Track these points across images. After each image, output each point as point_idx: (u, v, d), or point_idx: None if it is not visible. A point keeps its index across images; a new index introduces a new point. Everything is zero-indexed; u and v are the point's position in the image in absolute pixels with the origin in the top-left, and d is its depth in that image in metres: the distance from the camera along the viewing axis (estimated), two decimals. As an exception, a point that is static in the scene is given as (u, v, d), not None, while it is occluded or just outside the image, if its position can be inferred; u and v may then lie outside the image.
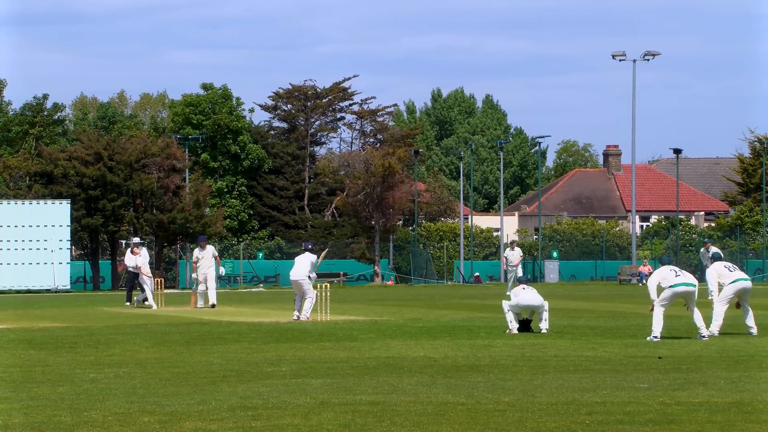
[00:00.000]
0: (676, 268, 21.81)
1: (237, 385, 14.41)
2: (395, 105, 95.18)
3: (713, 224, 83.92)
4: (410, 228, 79.86)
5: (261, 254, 73.89)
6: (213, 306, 33.45)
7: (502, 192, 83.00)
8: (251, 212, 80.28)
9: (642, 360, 17.45)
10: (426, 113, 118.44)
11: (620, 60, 70.98)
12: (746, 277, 22.73)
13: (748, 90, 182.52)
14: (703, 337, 21.26)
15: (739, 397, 13.04)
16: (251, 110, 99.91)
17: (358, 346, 20.04)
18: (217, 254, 34.81)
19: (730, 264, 23.08)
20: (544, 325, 22.92)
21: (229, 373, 15.89)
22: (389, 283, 67.83)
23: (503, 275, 73.20)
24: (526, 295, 23.01)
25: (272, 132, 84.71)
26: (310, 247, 28.42)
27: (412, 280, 70.36)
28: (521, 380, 14.81)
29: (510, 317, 23.00)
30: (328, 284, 28.52)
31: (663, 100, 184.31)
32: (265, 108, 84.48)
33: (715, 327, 21.94)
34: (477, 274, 71.37)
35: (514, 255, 47.79)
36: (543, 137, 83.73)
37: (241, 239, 75.98)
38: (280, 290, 56.26)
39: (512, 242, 51.23)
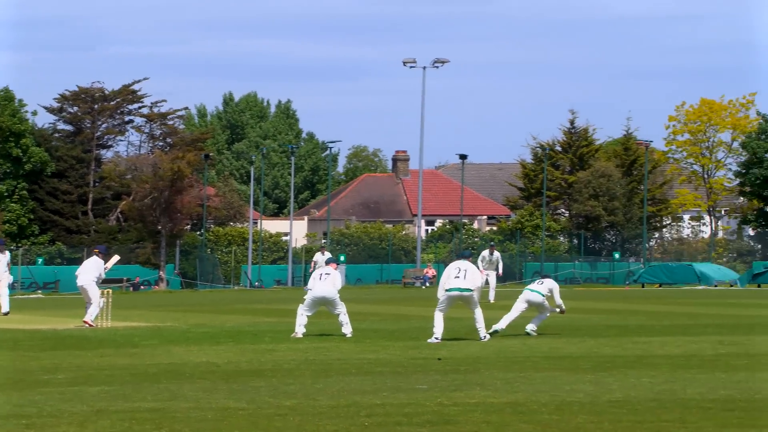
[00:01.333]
0: (465, 267, 21.82)
1: (11, 394, 14.02)
2: (186, 108, 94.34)
3: (495, 228, 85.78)
4: (198, 233, 79.22)
5: (41, 260, 72.18)
6: (6, 314, 32.34)
7: (292, 196, 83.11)
8: (32, 216, 78.32)
9: (422, 362, 17.67)
10: (218, 117, 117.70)
11: (411, 67, 71.89)
12: (535, 289, 23.16)
13: (533, 98, 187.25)
14: (484, 338, 21.66)
15: (514, 398, 13.32)
16: (34, 113, 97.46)
17: (139, 353, 19.75)
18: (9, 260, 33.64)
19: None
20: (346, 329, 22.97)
21: (3, 382, 15.46)
22: (158, 288, 67.11)
23: (290, 280, 73.23)
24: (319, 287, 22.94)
25: (57, 135, 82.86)
26: (96, 251, 27.84)
27: (198, 285, 69.76)
28: (303, 384, 14.82)
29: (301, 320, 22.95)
30: (110, 290, 28.01)
31: (451, 107, 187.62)
32: (50, 110, 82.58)
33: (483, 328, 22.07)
34: (257, 282, 70.98)
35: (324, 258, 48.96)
36: (334, 142, 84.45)
37: (20, 244, 74.08)
38: (60, 296, 55.06)
39: (322, 247, 52.39)
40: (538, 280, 23.58)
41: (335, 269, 23.82)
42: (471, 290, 21.75)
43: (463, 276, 21.80)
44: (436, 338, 21.41)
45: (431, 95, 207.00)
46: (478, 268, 24.12)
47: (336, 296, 23.04)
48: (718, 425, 11.24)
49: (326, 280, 23.14)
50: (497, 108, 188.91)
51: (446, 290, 21.78)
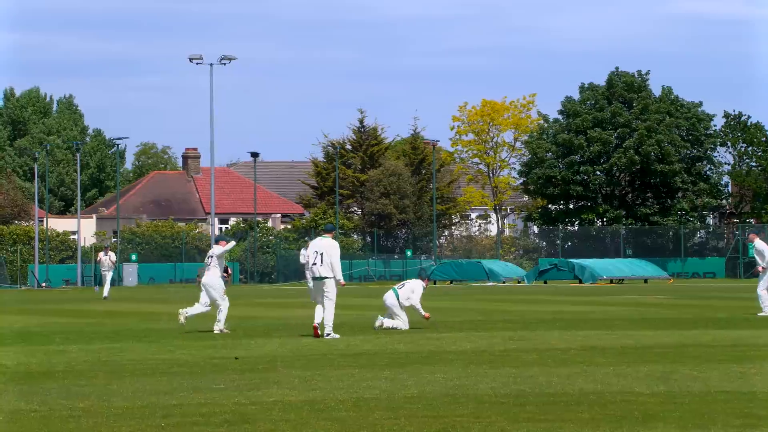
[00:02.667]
0: (320, 252, 21.39)
1: None
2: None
3: (289, 226, 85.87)
4: (-18, 231, 76.95)
5: None
6: None
7: (79, 194, 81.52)
8: None
9: (219, 361, 17.58)
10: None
11: (197, 63, 71.36)
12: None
13: (322, 96, 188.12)
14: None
15: (312, 395, 13.38)
16: None
17: (-76, 356, 19.09)
18: None
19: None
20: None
21: None
22: None
23: (80, 279, 71.89)
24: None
25: None
26: None
27: (-16, 286, 67.76)
28: (97, 385, 14.58)
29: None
30: None
31: (241, 104, 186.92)
32: None
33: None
34: (44, 283, 69.32)
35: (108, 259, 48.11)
36: (121, 139, 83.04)
37: None
38: None
39: (106, 247, 51.71)
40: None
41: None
42: (323, 278, 21.45)
43: (318, 265, 21.55)
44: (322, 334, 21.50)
45: (221, 92, 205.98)
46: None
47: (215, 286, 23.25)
48: (510, 419, 11.50)
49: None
50: (287, 106, 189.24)
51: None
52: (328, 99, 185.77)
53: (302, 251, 37.25)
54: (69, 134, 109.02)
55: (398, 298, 23.62)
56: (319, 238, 22.02)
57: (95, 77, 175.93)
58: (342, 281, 21.73)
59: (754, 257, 29.02)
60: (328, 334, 21.48)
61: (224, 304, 23.31)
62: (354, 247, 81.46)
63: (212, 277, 23.47)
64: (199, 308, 23.51)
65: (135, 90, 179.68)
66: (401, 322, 23.57)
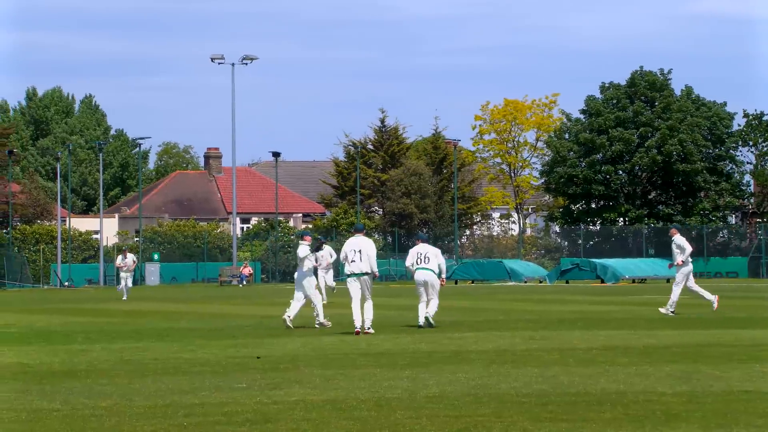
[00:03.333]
0: (358, 250, 22.16)
1: None
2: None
3: (311, 225, 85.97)
4: (4, 231, 77.26)
5: None
6: None
7: (101, 194, 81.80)
8: None
9: (241, 360, 17.60)
10: (21, 112, 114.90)
11: (219, 63, 71.55)
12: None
13: (344, 96, 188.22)
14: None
15: (334, 395, 13.37)
16: None
17: (-53, 355, 19.17)
18: None
19: None
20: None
21: None
22: None
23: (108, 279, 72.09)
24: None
25: None
26: None
27: (6, 285, 68.06)
28: (119, 385, 14.61)
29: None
30: None
31: (263, 104, 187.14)
32: None
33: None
34: (67, 282, 69.54)
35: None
36: (143, 138, 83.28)
37: None
38: None
39: (123, 249, 48.55)
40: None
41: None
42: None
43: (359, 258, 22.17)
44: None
45: (242, 92, 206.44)
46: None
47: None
48: (532, 419, 11.48)
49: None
50: (309, 106, 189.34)
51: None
52: (349, 99, 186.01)
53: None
54: (92, 134, 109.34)
55: (438, 273, 23.63)
56: (354, 237, 22.65)
57: (117, 77, 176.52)
58: (377, 273, 22.71)
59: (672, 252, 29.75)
60: (369, 328, 22.18)
61: (316, 299, 23.82)
62: (375, 246, 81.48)
63: (300, 274, 24.11)
64: (296, 306, 23.87)
65: (157, 90, 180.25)
66: (435, 302, 23.71)
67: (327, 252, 34.96)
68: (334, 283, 36.13)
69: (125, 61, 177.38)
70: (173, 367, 16.75)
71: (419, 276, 23.49)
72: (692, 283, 28.93)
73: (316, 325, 23.95)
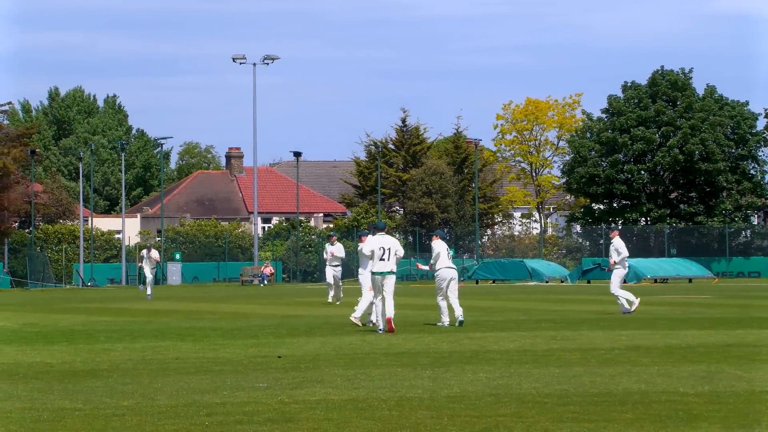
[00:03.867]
0: (386, 248, 22.35)
1: None
2: (10, 103, 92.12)
3: (332, 225, 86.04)
4: (27, 230, 77.55)
5: None
6: None
7: (124, 194, 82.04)
8: None
9: (262, 360, 17.62)
10: (43, 112, 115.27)
11: (241, 63, 71.67)
12: None
13: (365, 96, 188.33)
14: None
15: (355, 394, 13.38)
16: None
17: (-30, 354, 19.25)
18: None
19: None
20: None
21: None
22: None
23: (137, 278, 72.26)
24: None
25: None
26: None
27: (28, 284, 68.30)
28: (141, 384, 14.65)
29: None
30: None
31: (284, 104, 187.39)
32: None
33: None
34: (89, 282, 69.71)
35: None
36: (165, 138, 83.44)
37: None
38: None
39: (149, 246, 48.51)
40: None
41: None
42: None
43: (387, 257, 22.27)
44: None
45: (263, 92, 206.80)
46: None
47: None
48: (553, 419, 11.46)
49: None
50: (330, 105, 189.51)
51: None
52: (370, 98, 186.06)
53: (327, 246, 37.40)
54: (114, 134, 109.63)
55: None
56: (379, 236, 22.70)
57: (139, 77, 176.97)
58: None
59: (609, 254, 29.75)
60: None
61: (365, 298, 23.93)
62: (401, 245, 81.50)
63: (360, 273, 24.87)
64: (362, 304, 24.11)
65: (178, 90, 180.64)
66: (455, 294, 23.89)
67: (338, 248, 35.63)
68: (341, 283, 36.61)
69: (147, 61, 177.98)
70: (195, 366, 16.79)
71: (447, 273, 23.61)
72: (617, 287, 28.77)
73: (352, 318, 24.25)
